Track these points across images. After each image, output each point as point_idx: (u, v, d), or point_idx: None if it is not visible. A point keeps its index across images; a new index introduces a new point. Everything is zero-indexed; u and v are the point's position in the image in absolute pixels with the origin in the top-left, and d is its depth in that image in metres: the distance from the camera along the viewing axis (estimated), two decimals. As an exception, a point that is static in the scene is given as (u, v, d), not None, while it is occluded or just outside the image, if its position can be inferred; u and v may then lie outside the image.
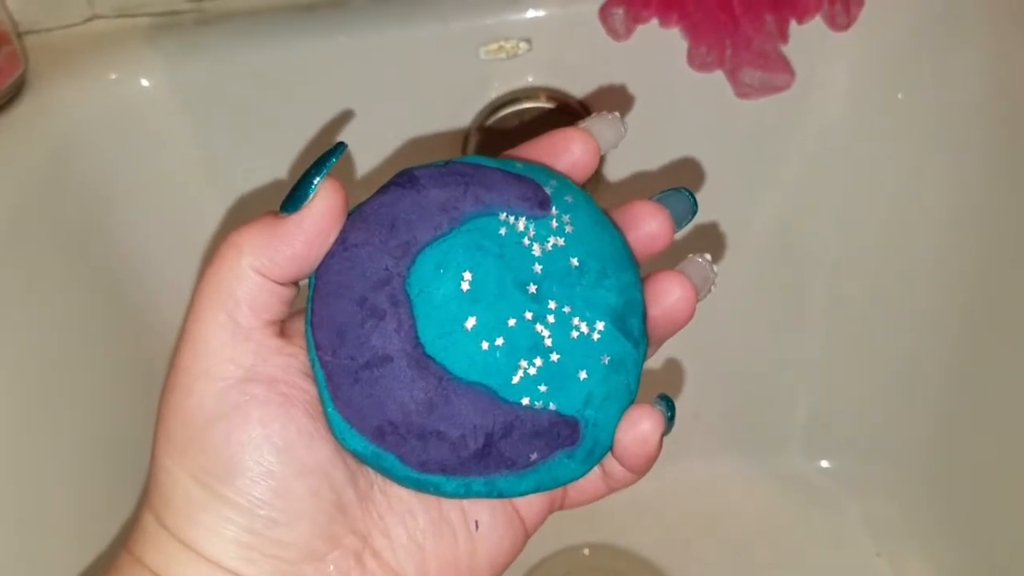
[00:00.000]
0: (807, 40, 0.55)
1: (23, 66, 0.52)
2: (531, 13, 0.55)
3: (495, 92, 0.57)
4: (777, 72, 0.55)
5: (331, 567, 0.27)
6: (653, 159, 0.59)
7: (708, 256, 0.30)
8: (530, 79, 0.56)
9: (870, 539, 0.66)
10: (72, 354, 0.51)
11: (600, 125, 0.30)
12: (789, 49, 0.55)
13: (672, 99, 0.57)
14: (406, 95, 0.56)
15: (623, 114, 0.56)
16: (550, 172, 0.29)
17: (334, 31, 0.55)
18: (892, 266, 0.62)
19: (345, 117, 0.55)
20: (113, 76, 0.54)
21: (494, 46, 0.55)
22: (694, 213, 0.30)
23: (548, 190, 0.28)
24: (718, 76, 0.55)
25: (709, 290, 0.30)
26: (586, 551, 0.65)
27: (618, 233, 0.29)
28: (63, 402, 0.50)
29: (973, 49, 0.55)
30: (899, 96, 0.58)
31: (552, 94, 0.57)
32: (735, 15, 0.53)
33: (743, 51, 0.54)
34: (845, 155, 0.59)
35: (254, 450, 0.26)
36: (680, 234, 0.30)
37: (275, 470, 0.26)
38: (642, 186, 0.58)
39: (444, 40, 0.55)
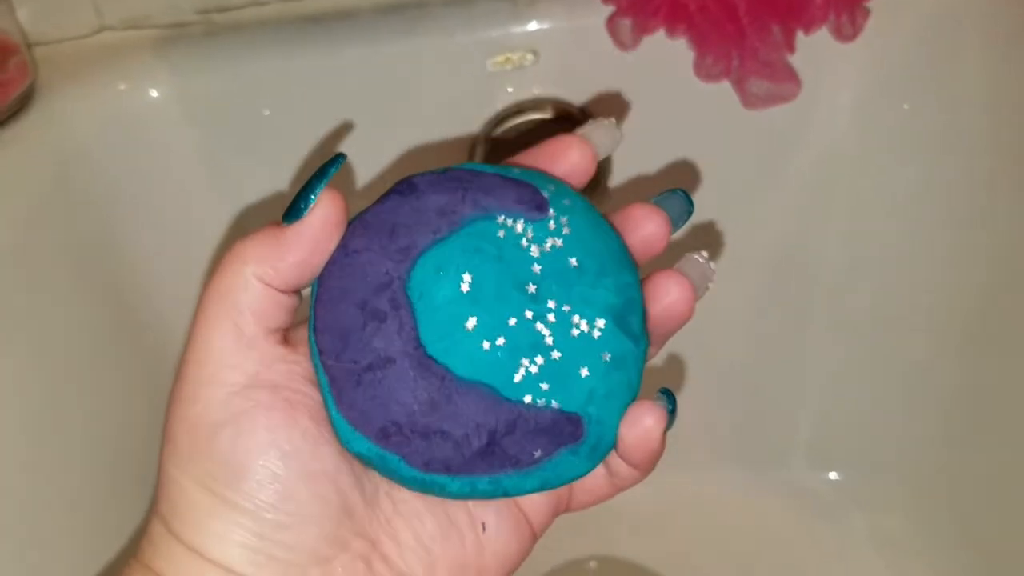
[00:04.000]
0: (813, 50, 0.55)
1: (32, 77, 0.53)
2: (537, 25, 0.55)
3: (502, 104, 0.57)
4: (783, 82, 0.54)
5: (339, 570, 0.27)
6: (659, 169, 0.58)
7: (705, 253, 0.30)
8: (536, 91, 0.57)
9: (877, 553, 0.66)
10: (78, 364, 0.51)
11: (596, 131, 0.30)
12: (795, 59, 0.55)
13: (679, 109, 0.57)
14: (413, 107, 0.56)
15: (629, 124, 0.56)
16: (547, 177, 0.29)
17: (341, 43, 0.55)
18: (899, 277, 0.62)
19: (344, 129, 0.55)
20: (122, 87, 0.54)
21: (501, 58, 0.55)
22: (690, 213, 0.31)
23: (546, 194, 0.28)
24: (725, 86, 0.55)
25: (707, 287, 0.30)
26: (592, 564, 0.65)
27: (616, 235, 0.29)
28: (70, 413, 0.50)
29: (978, 59, 0.55)
30: (905, 107, 0.57)
31: (559, 105, 0.56)
32: (741, 25, 0.53)
33: (749, 61, 0.54)
34: (851, 166, 0.59)
35: (260, 455, 0.26)
36: (678, 235, 0.30)
37: (281, 474, 0.26)
38: (648, 195, 0.58)
39: (450, 52, 0.55)
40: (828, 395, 0.67)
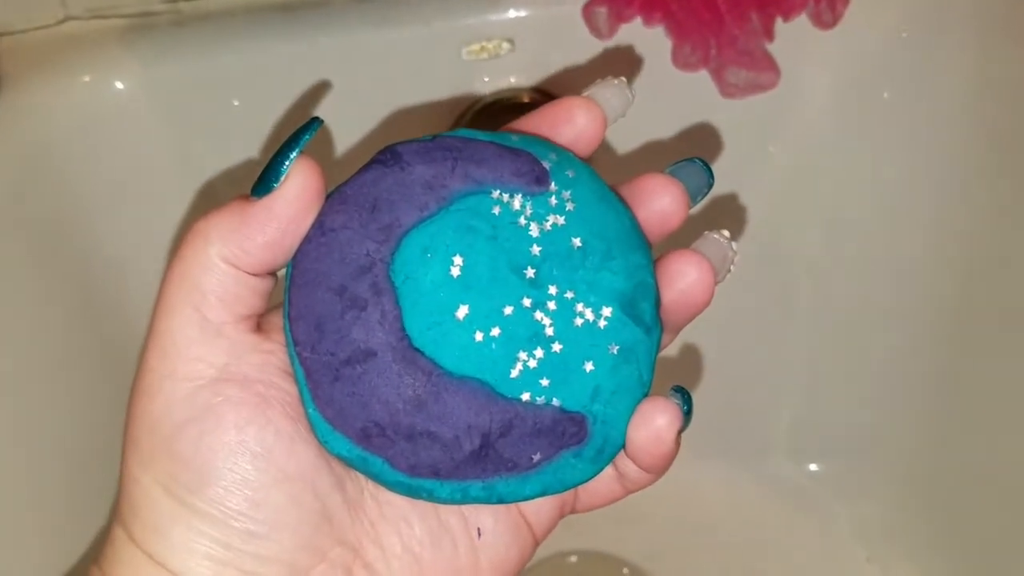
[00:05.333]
0: (792, 38, 0.54)
1: (-6, 68, 0.51)
2: (513, 13, 0.54)
3: (477, 93, 0.56)
4: (762, 71, 0.54)
5: None
6: (636, 159, 0.58)
7: (726, 232, 0.27)
8: (513, 79, 0.55)
9: (860, 544, 0.65)
10: (44, 358, 0.50)
11: (605, 92, 0.27)
12: (774, 47, 0.54)
13: (656, 99, 0.56)
14: (387, 96, 0.55)
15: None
16: (549, 145, 0.26)
17: (314, 32, 0.53)
18: (878, 266, 0.61)
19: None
20: (87, 78, 0.52)
21: (476, 46, 0.54)
22: (710, 186, 0.28)
23: (546, 164, 0.25)
24: (703, 75, 0.55)
25: (729, 270, 0.27)
26: (573, 559, 0.64)
27: (626, 210, 0.26)
28: (34, 407, 0.48)
29: (958, 48, 0.54)
30: (884, 95, 0.57)
31: (535, 94, 0.56)
32: (719, 13, 0.52)
33: (728, 50, 0.53)
34: (830, 154, 0.58)
35: (228, 456, 0.23)
36: (695, 210, 0.27)
37: (251, 478, 0.23)
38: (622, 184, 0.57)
39: (425, 41, 0.54)
40: (808, 387, 0.66)
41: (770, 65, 0.54)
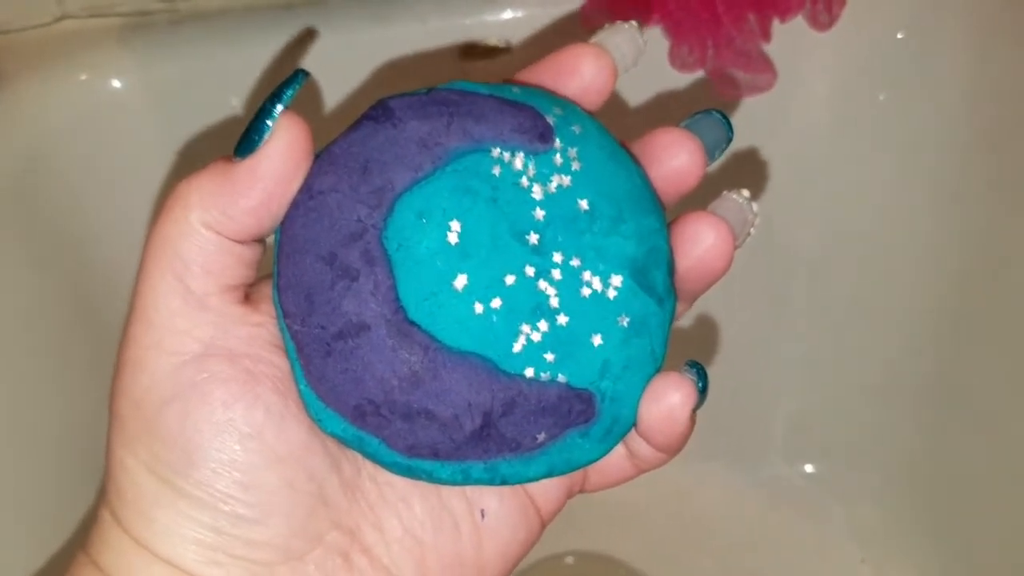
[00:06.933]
0: (789, 39, 0.53)
1: (-10, 66, 0.51)
2: (510, 13, 0.53)
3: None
4: (760, 72, 0.54)
5: (311, 567, 0.23)
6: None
7: (746, 192, 0.25)
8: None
9: (855, 544, 0.65)
10: (38, 354, 0.49)
11: (615, 38, 0.25)
12: (770, 49, 0.54)
13: (653, 100, 0.56)
14: (383, 94, 0.55)
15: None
16: (554, 98, 0.24)
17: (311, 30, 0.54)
18: (875, 268, 0.61)
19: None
20: (83, 77, 0.52)
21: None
22: (729, 140, 0.25)
23: (551, 119, 0.23)
24: (700, 76, 0.55)
25: (748, 233, 0.25)
26: (569, 559, 0.64)
27: (637, 169, 0.24)
28: (27, 400, 0.48)
29: (954, 50, 0.54)
30: (881, 97, 0.57)
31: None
32: (717, 14, 0.52)
33: (725, 51, 0.53)
34: (827, 156, 0.58)
35: (215, 436, 0.22)
36: (713, 167, 0.25)
37: (240, 459, 0.22)
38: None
39: (422, 39, 0.54)
40: (804, 388, 0.65)
41: (767, 66, 0.54)
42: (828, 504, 0.67)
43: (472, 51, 0.54)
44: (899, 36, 0.55)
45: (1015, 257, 0.54)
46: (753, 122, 0.57)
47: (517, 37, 0.54)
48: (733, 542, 0.66)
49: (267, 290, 0.24)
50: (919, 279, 0.60)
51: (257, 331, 0.23)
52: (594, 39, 0.25)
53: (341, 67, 0.53)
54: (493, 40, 0.54)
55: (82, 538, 0.25)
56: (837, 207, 0.60)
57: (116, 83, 0.52)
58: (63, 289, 0.52)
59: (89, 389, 0.52)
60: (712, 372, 0.73)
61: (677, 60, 0.54)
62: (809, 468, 0.68)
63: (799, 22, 0.53)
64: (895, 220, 0.59)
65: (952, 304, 0.58)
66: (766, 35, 0.53)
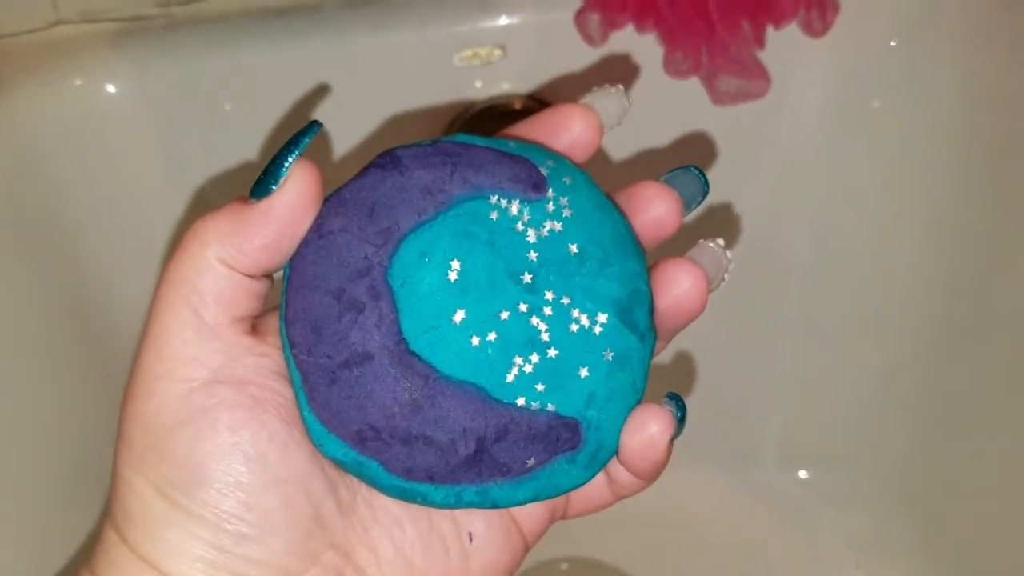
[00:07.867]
0: (783, 46, 0.54)
1: (-16, 71, 0.51)
2: (505, 20, 0.54)
3: (470, 99, 0.56)
4: (753, 79, 0.54)
5: None
6: (627, 167, 0.58)
7: (721, 241, 0.27)
8: (505, 86, 0.55)
9: (849, 551, 0.65)
10: (33, 360, 0.49)
11: (603, 99, 0.27)
12: (764, 55, 0.54)
13: (648, 106, 0.56)
14: (379, 101, 0.55)
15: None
16: (547, 152, 0.26)
17: (307, 37, 0.53)
18: (868, 274, 0.61)
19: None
20: (78, 82, 0.52)
21: (468, 53, 0.54)
22: (705, 194, 0.28)
23: (544, 171, 0.25)
24: (694, 83, 0.55)
25: (723, 278, 0.27)
26: (564, 566, 0.64)
27: (621, 218, 0.26)
28: (24, 409, 0.48)
29: (948, 56, 0.54)
30: (874, 104, 0.57)
31: (527, 101, 0.55)
32: (711, 20, 0.52)
33: (719, 57, 0.53)
34: (820, 163, 0.58)
35: (221, 459, 0.23)
36: (689, 218, 0.28)
37: (245, 481, 0.23)
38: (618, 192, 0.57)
39: (418, 46, 0.54)
40: (798, 394, 0.66)
41: (761, 73, 0.54)
42: (822, 511, 0.67)
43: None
44: (892, 43, 0.55)
45: (1008, 264, 0.54)
46: (747, 129, 0.57)
47: (512, 43, 0.54)
48: (727, 549, 0.66)
49: (272, 322, 0.26)
50: (912, 286, 0.60)
51: (263, 360, 0.25)
52: (583, 100, 0.27)
53: (336, 74, 0.53)
54: (487, 48, 0.54)
55: (86, 557, 0.26)
56: (830, 214, 0.60)
57: (111, 88, 0.52)
58: (56, 294, 0.52)
59: (80, 394, 0.52)
60: (706, 379, 0.73)
61: (671, 66, 0.54)
62: (803, 474, 0.68)
63: (793, 29, 0.53)
64: (888, 227, 0.59)
65: (945, 311, 0.59)
66: (760, 42, 0.53)
